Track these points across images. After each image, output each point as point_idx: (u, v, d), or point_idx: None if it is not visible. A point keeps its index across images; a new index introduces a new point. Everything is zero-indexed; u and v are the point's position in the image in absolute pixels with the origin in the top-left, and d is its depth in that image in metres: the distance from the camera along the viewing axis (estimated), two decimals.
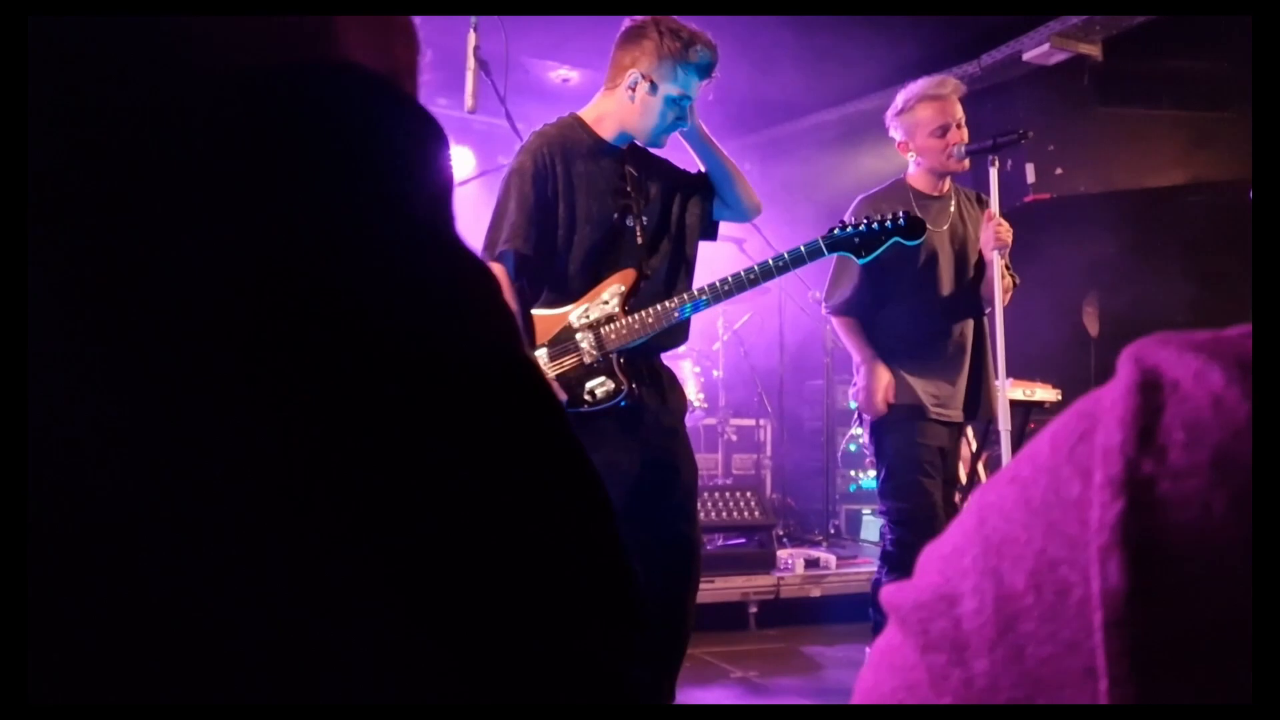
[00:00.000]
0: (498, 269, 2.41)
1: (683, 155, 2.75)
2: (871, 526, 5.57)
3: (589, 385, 2.43)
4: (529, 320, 2.48)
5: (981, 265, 3.03)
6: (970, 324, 3.06)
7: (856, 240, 2.52)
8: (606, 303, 2.46)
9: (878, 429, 3.00)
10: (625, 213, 2.51)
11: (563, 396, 2.38)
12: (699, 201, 2.64)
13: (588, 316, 2.46)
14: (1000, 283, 2.92)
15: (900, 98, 3.05)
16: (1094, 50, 5.03)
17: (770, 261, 2.49)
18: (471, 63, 3.47)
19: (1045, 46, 5.00)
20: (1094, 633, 0.27)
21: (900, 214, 2.55)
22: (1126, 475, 0.28)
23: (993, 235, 2.90)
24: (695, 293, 2.49)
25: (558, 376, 2.43)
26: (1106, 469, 0.28)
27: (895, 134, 3.07)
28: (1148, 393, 0.29)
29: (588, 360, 2.43)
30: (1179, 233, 4.72)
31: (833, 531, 5.53)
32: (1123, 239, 4.81)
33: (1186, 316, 4.48)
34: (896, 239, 2.52)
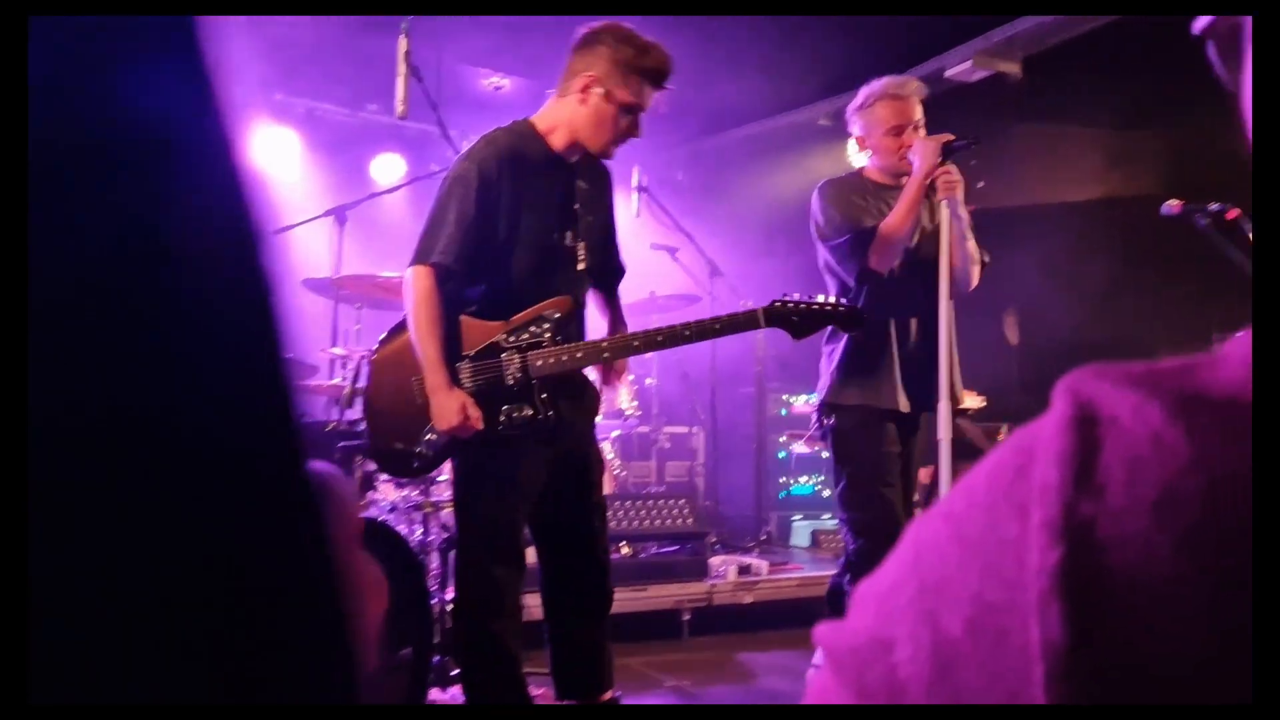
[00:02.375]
0: (423, 274, 2.40)
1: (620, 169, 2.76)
2: (802, 533, 5.63)
3: (506, 408, 2.42)
4: (457, 326, 2.45)
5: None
6: (931, 310, 2.93)
7: (795, 319, 2.51)
8: (539, 328, 2.44)
9: (836, 435, 2.95)
10: (568, 234, 2.50)
11: (476, 413, 2.35)
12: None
13: (517, 338, 2.43)
14: (949, 234, 2.81)
15: (862, 93, 3.03)
16: (1014, 69, 5.19)
17: (708, 323, 2.49)
18: (402, 68, 3.43)
19: (967, 64, 5.14)
20: (1034, 686, 0.26)
21: (842, 304, 2.57)
22: (1065, 517, 0.27)
23: (943, 184, 2.83)
24: (630, 341, 2.50)
25: (475, 391, 2.41)
26: (1045, 509, 0.27)
27: (854, 129, 3.06)
28: (1085, 428, 0.28)
29: (509, 382, 2.41)
30: (1095, 246, 4.88)
31: (764, 538, 5.58)
32: (1042, 251, 4.96)
33: (1101, 328, 4.64)
34: (833, 325, 2.60)
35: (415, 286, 2.39)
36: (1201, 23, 0.38)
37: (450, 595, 2.74)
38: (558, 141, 2.51)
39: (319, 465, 0.33)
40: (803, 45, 5.22)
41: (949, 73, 5.26)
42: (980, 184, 5.41)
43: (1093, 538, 0.26)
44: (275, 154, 5.98)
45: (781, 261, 5.38)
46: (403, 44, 3.45)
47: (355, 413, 3.27)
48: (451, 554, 3.28)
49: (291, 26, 5.16)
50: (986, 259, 3.08)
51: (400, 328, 2.51)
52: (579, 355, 2.44)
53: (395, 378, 2.48)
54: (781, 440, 5.91)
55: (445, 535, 3.30)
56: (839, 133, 3.89)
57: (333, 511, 0.33)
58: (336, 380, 3.72)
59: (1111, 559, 0.26)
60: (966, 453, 4.63)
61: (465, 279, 2.44)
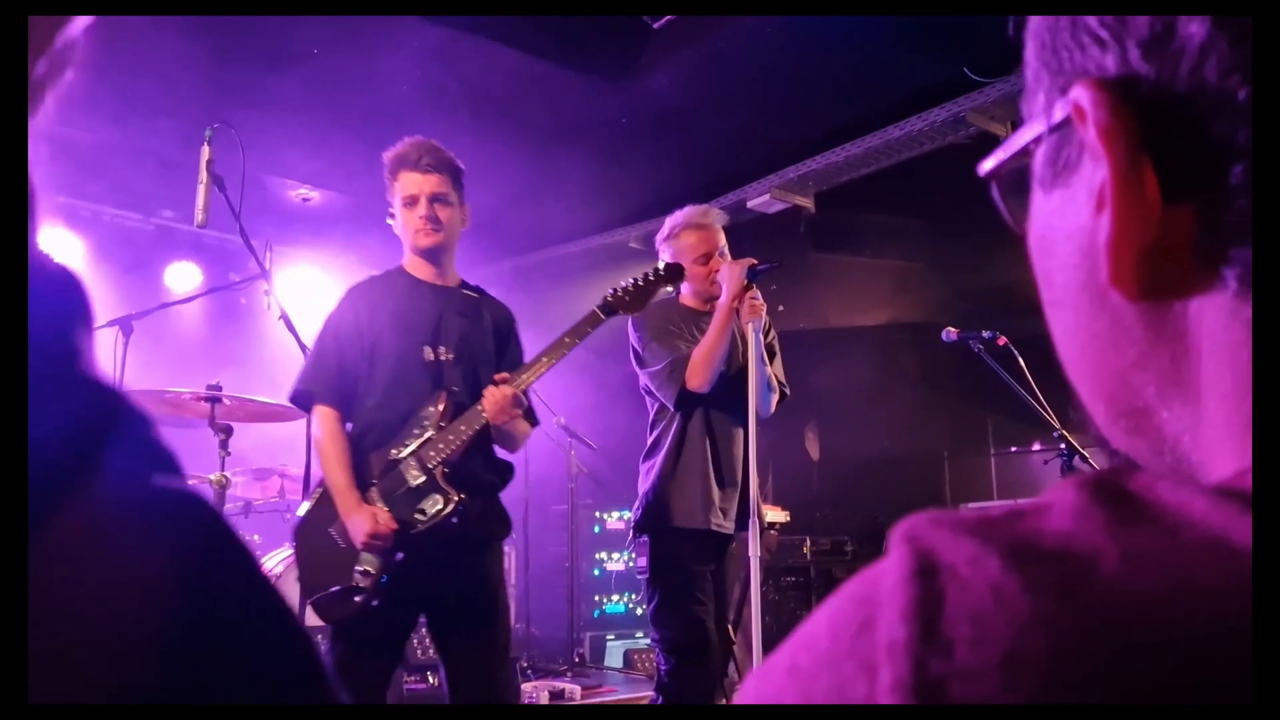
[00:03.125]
0: (320, 414, 2.62)
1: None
2: (615, 653, 5.54)
3: (419, 505, 2.54)
4: (364, 461, 2.59)
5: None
6: (743, 433, 3.05)
7: (627, 299, 2.74)
8: (421, 428, 2.57)
9: (652, 554, 2.95)
10: (429, 344, 2.65)
11: (384, 515, 2.50)
12: (503, 339, 2.86)
13: (406, 445, 2.58)
14: (756, 359, 2.91)
15: (668, 224, 3.15)
16: (807, 202, 5.59)
17: (560, 341, 2.71)
18: (204, 176, 3.31)
19: (766, 196, 5.49)
20: None
21: (659, 268, 2.82)
22: (916, 676, 0.26)
23: (748, 307, 2.94)
24: (506, 391, 2.64)
25: (391, 506, 2.53)
26: (894, 668, 0.26)
27: (664, 257, 3.14)
28: (926, 579, 0.28)
29: (414, 483, 2.54)
30: (884, 367, 5.23)
31: (577, 660, 5.45)
32: (839, 371, 5.26)
33: (894, 443, 4.93)
34: (663, 285, 2.79)
35: (318, 427, 2.61)
36: (987, 166, 0.41)
37: None
38: (412, 269, 2.76)
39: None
40: (617, 171, 5.43)
41: (751, 203, 5.59)
42: (781, 308, 5.72)
43: (945, 699, 0.25)
44: (58, 259, 5.57)
45: (598, 378, 5.45)
46: (206, 151, 3.33)
47: None
48: None
49: (83, 130, 4.90)
50: (787, 391, 3.21)
51: (315, 491, 2.65)
52: (463, 429, 2.56)
53: (316, 534, 2.59)
54: (597, 557, 5.86)
55: None
56: (649, 255, 4.04)
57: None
58: None
59: None
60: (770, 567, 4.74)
61: (340, 406, 2.63)
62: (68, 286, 0.31)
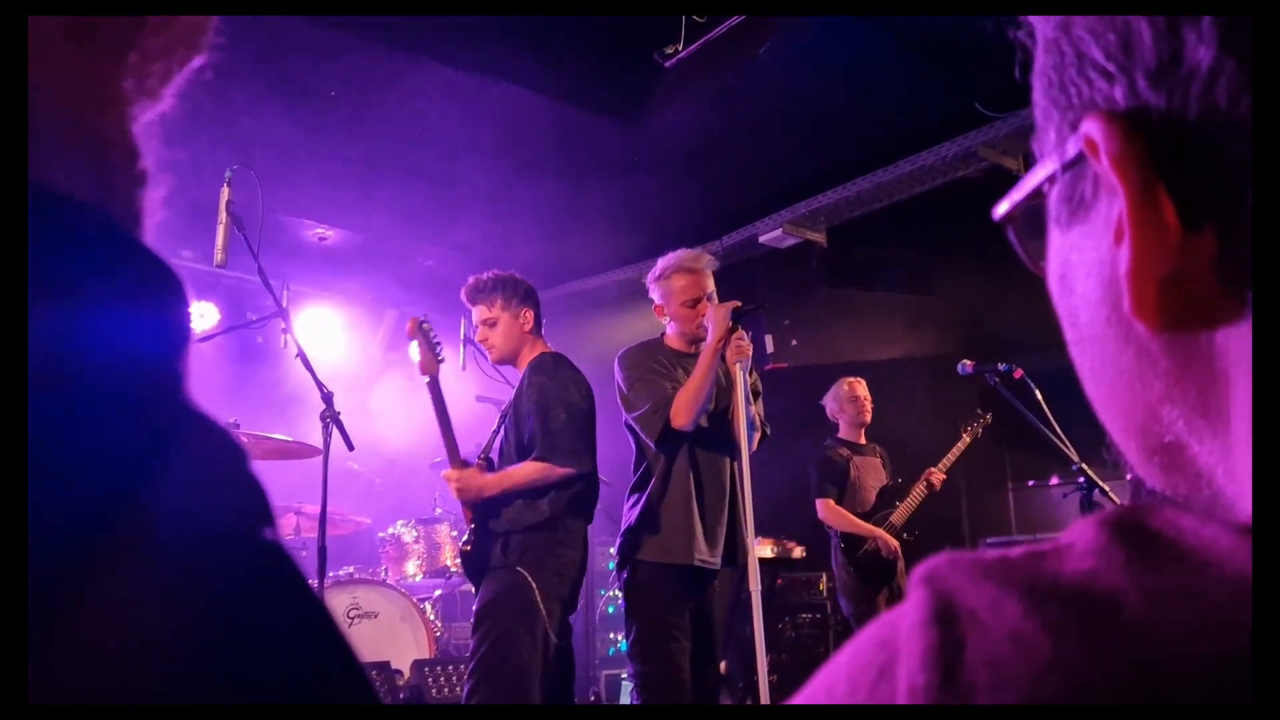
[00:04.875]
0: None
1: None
2: (630, 690, 5.49)
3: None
4: None
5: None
6: (729, 469, 3.12)
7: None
8: None
9: (631, 588, 3.00)
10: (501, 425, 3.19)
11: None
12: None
13: None
14: (743, 395, 3.00)
15: (659, 265, 3.20)
16: (819, 237, 5.61)
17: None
18: (224, 216, 3.35)
19: (778, 231, 5.51)
20: None
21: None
22: None
23: (734, 348, 3.01)
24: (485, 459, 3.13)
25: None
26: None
27: (654, 296, 3.22)
28: (946, 625, 0.28)
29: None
30: (899, 402, 5.20)
31: (593, 698, 5.40)
32: None
33: (908, 478, 4.88)
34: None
35: None
36: (1001, 210, 0.41)
37: None
38: None
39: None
40: (633, 208, 5.46)
41: (763, 239, 5.62)
42: (794, 342, 5.72)
43: None
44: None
45: (613, 414, 5.43)
46: (225, 193, 3.38)
47: None
48: None
49: None
50: (768, 431, 3.25)
51: None
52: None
53: None
54: (612, 594, 5.82)
55: None
56: None
57: None
58: None
59: None
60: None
61: None
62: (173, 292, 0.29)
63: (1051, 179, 0.38)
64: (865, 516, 4.53)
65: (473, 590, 3.04)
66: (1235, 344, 0.33)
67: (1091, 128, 0.34)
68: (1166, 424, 0.36)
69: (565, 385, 3.05)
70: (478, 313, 3.20)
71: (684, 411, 2.98)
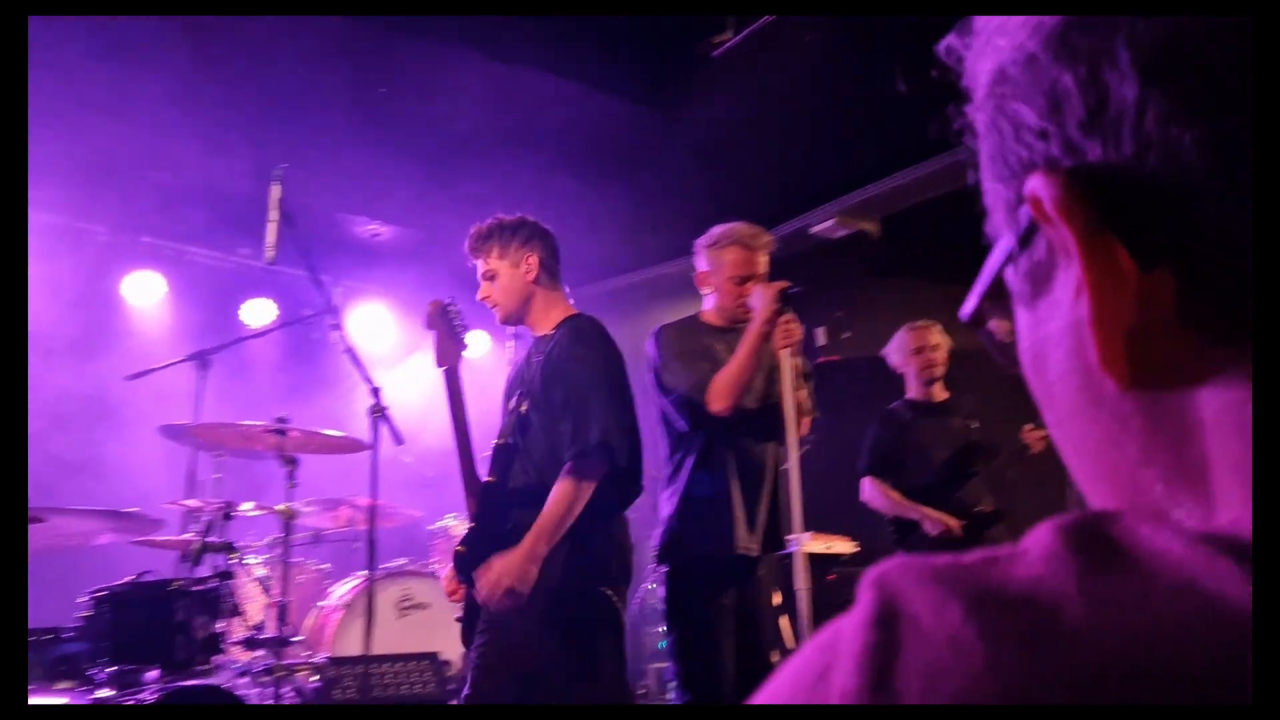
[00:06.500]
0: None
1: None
2: None
3: None
4: None
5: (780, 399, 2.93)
6: (771, 457, 2.96)
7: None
8: None
9: (671, 584, 2.87)
10: (511, 397, 2.75)
11: None
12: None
13: None
14: (791, 383, 2.83)
15: (715, 231, 3.01)
16: (873, 227, 5.53)
17: None
18: (274, 214, 3.41)
19: (830, 222, 5.44)
20: None
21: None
22: None
23: (783, 332, 2.83)
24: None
25: None
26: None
27: (699, 263, 3.02)
28: (886, 628, 0.28)
29: None
30: (955, 392, 5.10)
31: (642, 692, 5.40)
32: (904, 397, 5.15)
33: None
34: None
35: None
36: (967, 310, 0.41)
37: None
38: None
39: None
40: (678, 201, 5.44)
41: (814, 229, 5.55)
42: (847, 335, 5.65)
43: None
44: (139, 297, 5.80)
45: (645, 408, 5.42)
46: (276, 190, 3.44)
47: (203, 570, 3.06)
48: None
49: (167, 172, 5.10)
50: (817, 414, 3.05)
51: None
52: None
53: None
54: (649, 587, 5.82)
55: (299, 699, 3.07)
56: None
57: None
58: (188, 535, 3.50)
59: None
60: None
61: None
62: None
63: (1010, 257, 0.38)
64: (935, 490, 3.87)
65: None
66: (1206, 382, 0.33)
67: (1034, 184, 0.35)
68: (1145, 488, 0.36)
69: (613, 368, 2.65)
70: (479, 269, 2.80)
71: (723, 395, 2.79)
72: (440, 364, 2.74)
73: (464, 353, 2.78)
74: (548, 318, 2.75)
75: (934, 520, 3.82)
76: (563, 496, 2.47)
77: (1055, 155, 0.35)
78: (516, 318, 2.79)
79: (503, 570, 2.43)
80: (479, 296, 2.79)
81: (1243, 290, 0.31)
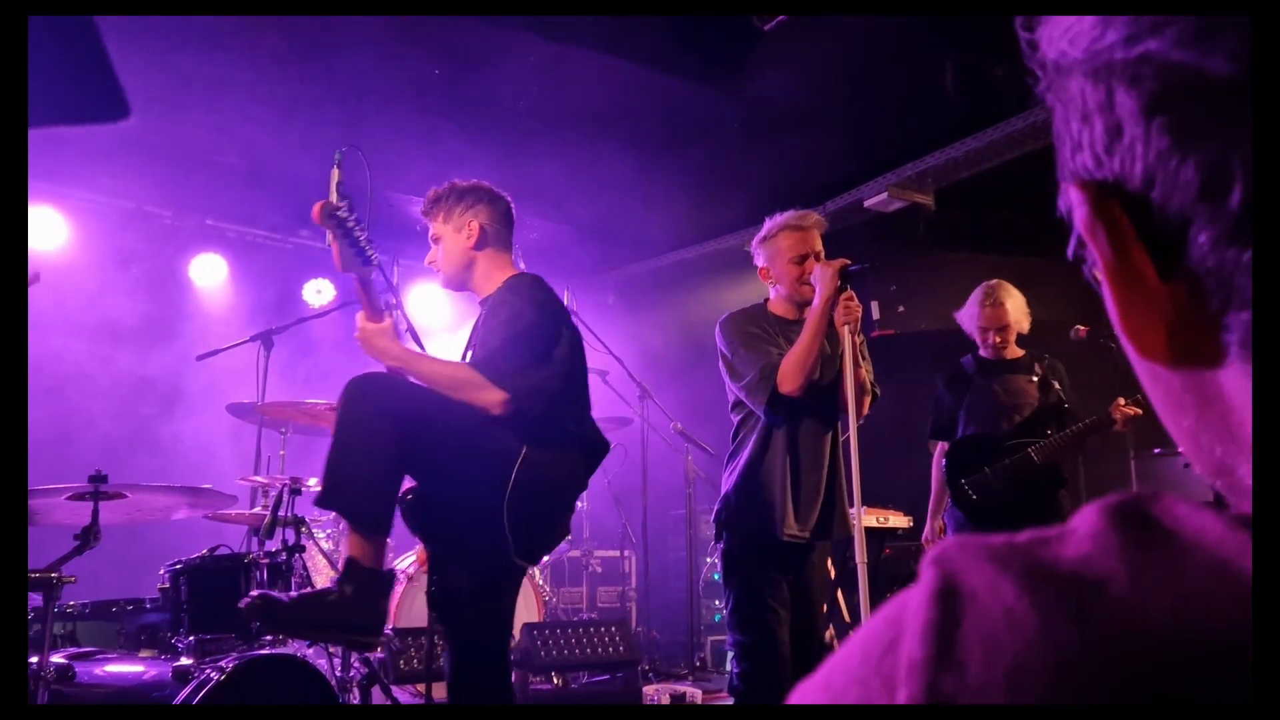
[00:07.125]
0: None
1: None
2: None
3: None
4: None
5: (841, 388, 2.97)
6: (829, 439, 3.00)
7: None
8: None
9: (728, 558, 2.94)
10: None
11: None
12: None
13: None
14: (852, 361, 2.87)
15: (765, 225, 3.09)
16: (927, 200, 5.46)
17: None
18: (334, 197, 3.48)
19: (883, 195, 5.39)
20: None
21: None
22: (929, 695, 0.28)
23: (843, 308, 2.88)
24: None
25: None
26: (910, 687, 0.29)
27: (758, 260, 3.10)
28: (947, 602, 0.30)
29: None
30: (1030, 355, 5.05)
31: (698, 664, 5.46)
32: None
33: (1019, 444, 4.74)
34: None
35: None
36: (1071, 252, 0.43)
37: None
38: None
39: None
40: (731, 176, 5.43)
41: (868, 203, 5.51)
42: (901, 309, 5.61)
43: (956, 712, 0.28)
44: (205, 279, 5.96)
45: (715, 382, 5.45)
46: (335, 174, 3.50)
47: (274, 544, 3.17)
48: (372, 688, 3.16)
49: (233, 157, 5.22)
50: (878, 391, 3.09)
51: None
52: None
53: None
54: (715, 561, 5.87)
55: (365, 670, 3.17)
56: None
57: None
58: (257, 509, 3.62)
59: None
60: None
61: None
62: None
63: (1082, 244, 0.41)
64: (1000, 443, 3.89)
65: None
66: (1231, 379, 0.35)
67: (1069, 200, 0.38)
68: (1207, 450, 0.38)
69: (528, 301, 2.59)
70: (429, 233, 2.82)
71: (792, 375, 2.84)
72: (343, 270, 2.55)
73: (372, 261, 2.55)
74: (490, 280, 2.75)
75: (928, 529, 4.17)
76: (457, 368, 2.53)
77: (1089, 168, 0.38)
78: (458, 282, 2.80)
79: (374, 333, 2.58)
80: (426, 261, 2.82)
81: (1246, 306, 0.33)
